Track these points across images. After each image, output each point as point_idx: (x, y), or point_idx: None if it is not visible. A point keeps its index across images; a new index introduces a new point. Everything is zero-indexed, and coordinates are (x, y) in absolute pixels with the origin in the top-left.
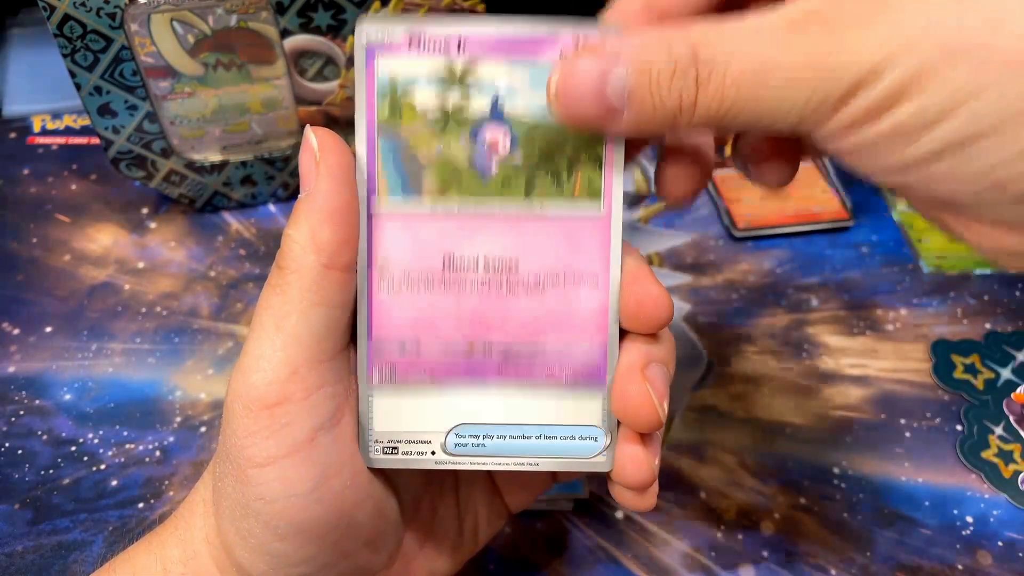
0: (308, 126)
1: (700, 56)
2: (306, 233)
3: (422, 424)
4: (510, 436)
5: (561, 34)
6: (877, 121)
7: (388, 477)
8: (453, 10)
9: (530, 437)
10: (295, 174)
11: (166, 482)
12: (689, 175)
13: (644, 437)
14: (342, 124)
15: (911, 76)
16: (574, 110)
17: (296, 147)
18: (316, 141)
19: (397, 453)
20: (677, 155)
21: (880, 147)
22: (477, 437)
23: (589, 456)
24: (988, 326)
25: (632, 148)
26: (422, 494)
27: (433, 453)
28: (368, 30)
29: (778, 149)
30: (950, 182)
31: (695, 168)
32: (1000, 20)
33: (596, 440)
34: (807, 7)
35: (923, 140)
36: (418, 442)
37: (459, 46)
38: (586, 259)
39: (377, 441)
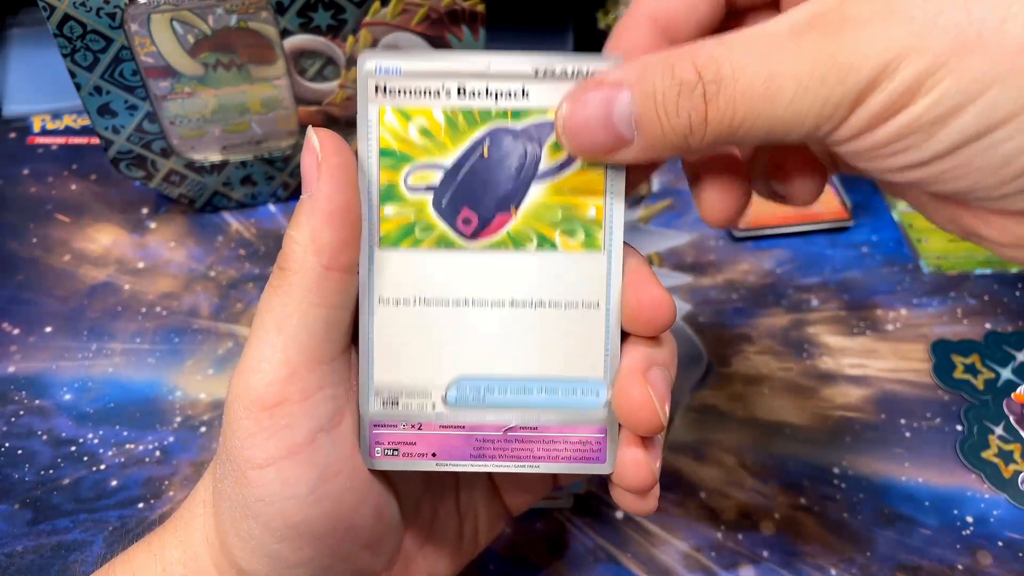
0: (311, 127)
1: (704, 74)
2: (307, 234)
3: None
4: None
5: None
6: (893, 118)
7: (388, 479)
8: (453, 11)
9: None
10: (295, 174)
11: (166, 482)
12: (727, 196)
13: (645, 440)
14: (342, 124)
15: (925, 71)
16: (584, 141)
17: (296, 147)
18: (318, 142)
19: (398, 455)
20: (710, 178)
21: (898, 144)
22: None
23: None
24: (988, 326)
25: (638, 176)
26: (422, 496)
27: (433, 455)
28: (370, 65)
29: (801, 163)
30: (970, 174)
31: (732, 189)
32: (1007, 7)
33: (597, 442)
34: (810, 11)
35: (941, 134)
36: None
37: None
38: (585, 289)
39: (378, 443)
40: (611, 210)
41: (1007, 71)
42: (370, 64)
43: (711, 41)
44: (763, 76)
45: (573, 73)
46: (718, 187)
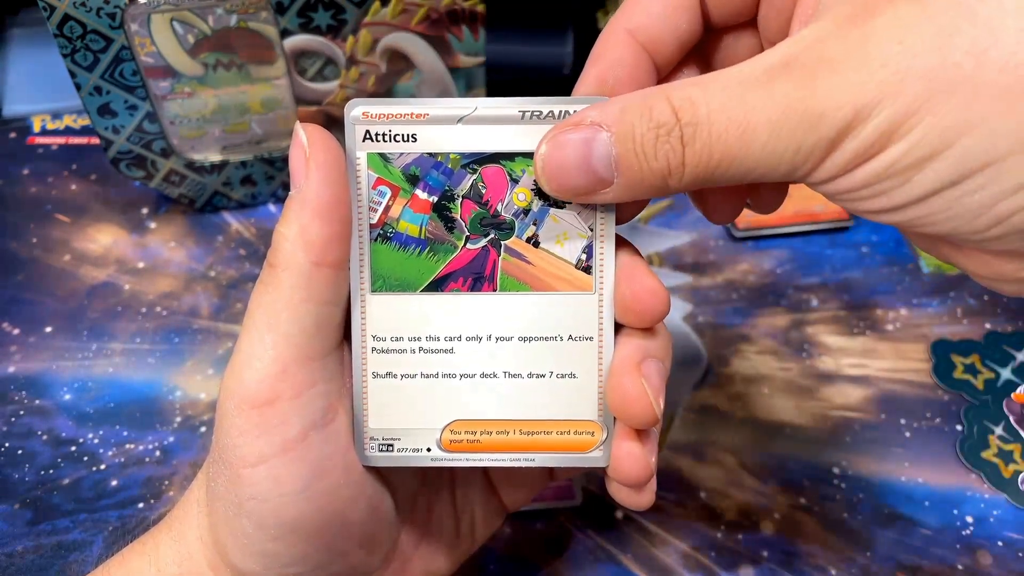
0: (298, 123)
1: (681, 117)
2: (296, 230)
3: (417, 421)
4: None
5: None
6: (867, 163)
7: (383, 476)
8: (453, 11)
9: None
10: None
11: (166, 482)
12: (727, 199)
13: (641, 433)
14: (342, 124)
15: (898, 117)
16: (563, 183)
17: None
18: (306, 138)
19: (392, 450)
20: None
21: (874, 188)
22: (473, 433)
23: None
24: (988, 326)
25: (627, 212)
26: (417, 493)
27: (429, 450)
28: (359, 113)
29: (721, 191)
30: (947, 219)
31: (732, 193)
32: (983, 51)
33: (592, 436)
34: (785, 52)
35: (916, 180)
36: (413, 439)
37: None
38: (578, 327)
39: (372, 438)
40: (601, 250)
41: (980, 118)
42: (357, 111)
43: (688, 81)
44: (737, 120)
45: (560, 115)
46: (718, 193)
